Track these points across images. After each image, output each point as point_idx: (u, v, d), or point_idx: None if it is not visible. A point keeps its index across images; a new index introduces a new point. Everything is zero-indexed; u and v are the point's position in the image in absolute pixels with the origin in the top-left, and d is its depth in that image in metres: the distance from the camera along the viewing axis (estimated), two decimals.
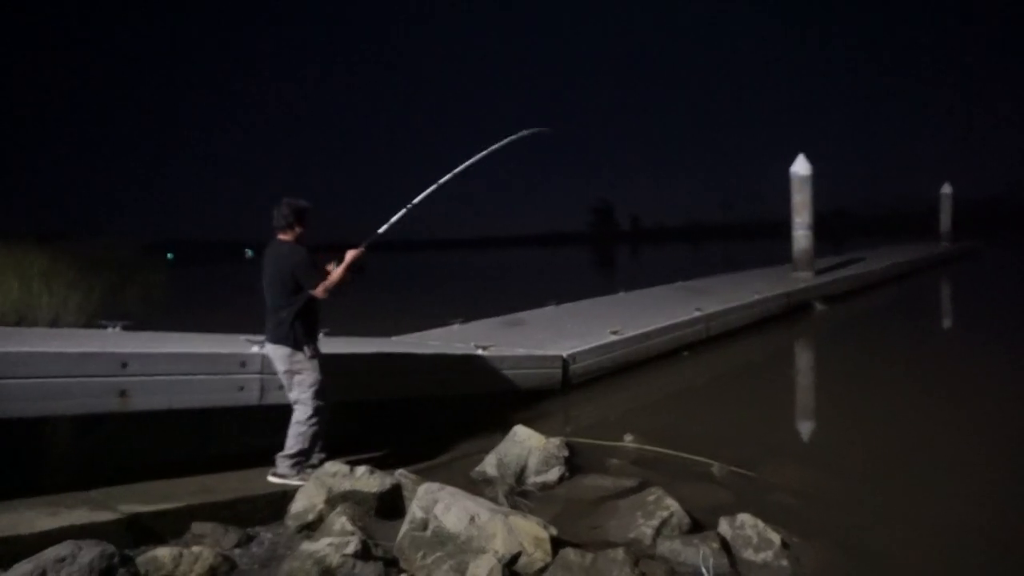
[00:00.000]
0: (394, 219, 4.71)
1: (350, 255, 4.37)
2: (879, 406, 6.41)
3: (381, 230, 4.67)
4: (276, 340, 4.22)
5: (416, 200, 4.76)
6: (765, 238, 37.96)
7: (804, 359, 9.83)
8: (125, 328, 5.46)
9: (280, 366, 4.23)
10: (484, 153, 5.15)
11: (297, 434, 4.20)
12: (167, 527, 3.50)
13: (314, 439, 4.23)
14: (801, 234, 14.20)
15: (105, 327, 5.52)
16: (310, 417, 4.20)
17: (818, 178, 14.18)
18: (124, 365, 3.90)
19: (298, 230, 4.34)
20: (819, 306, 11.89)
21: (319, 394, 4.23)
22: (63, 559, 2.55)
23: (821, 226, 15.21)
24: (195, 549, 3.14)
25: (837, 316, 12.42)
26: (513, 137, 5.33)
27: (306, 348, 4.21)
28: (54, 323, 11.44)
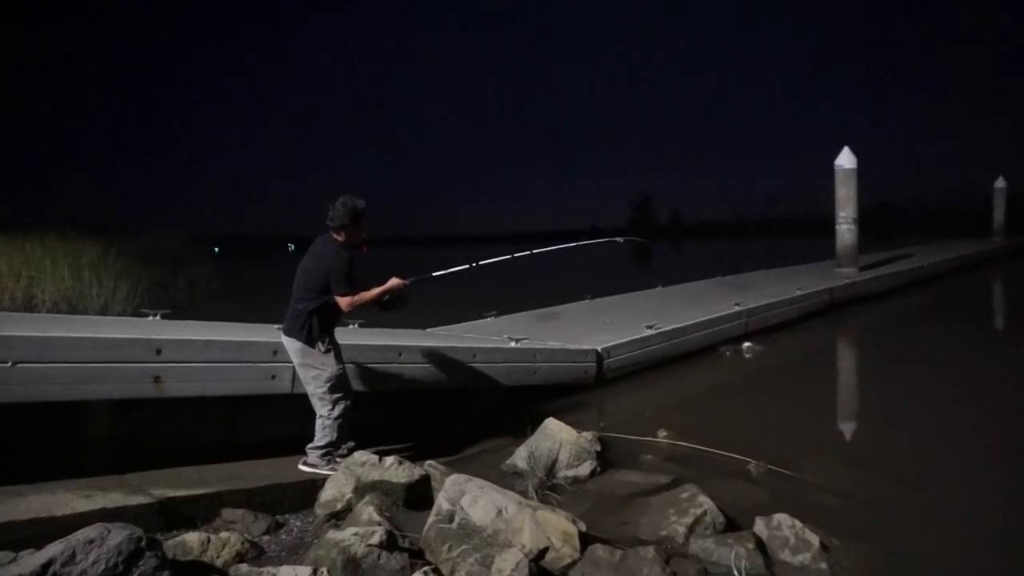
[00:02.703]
0: (452, 269, 4.84)
1: (392, 282, 4.30)
2: (924, 406, 6.17)
3: (435, 274, 4.74)
4: (289, 332, 4.15)
5: (483, 262, 4.99)
6: (809, 234, 37.11)
7: (846, 357, 9.55)
8: (164, 317, 5.55)
9: (294, 359, 4.17)
10: (560, 247, 5.62)
11: (323, 427, 4.18)
12: (198, 512, 3.54)
13: (340, 431, 4.20)
14: (845, 229, 13.80)
15: (146, 315, 5.62)
16: (331, 411, 4.15)
17: (864, 171, 13.76)
18: (158, 351, 3.95)
19: (350, 231, 4.21)
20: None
21: (335, 388, 4.15)
22: (92, 541, 2.57)
23: (867, 221, 14.75)
24: (223, 535, 3.16)
25: (882, 314, 12.05)
26: (594, 241, 6.07)
27: (320, 344, 4.11)
28: (103, 311, 11.77)
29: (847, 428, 6.22)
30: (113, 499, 3.34)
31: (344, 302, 4.10)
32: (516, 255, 5.26)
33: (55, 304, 11.53)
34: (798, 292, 10.67)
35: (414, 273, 4.59)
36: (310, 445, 4.19)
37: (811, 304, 10.87)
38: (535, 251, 5.47)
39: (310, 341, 4.09)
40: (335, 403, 4.15)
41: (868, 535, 3.54)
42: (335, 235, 4.21)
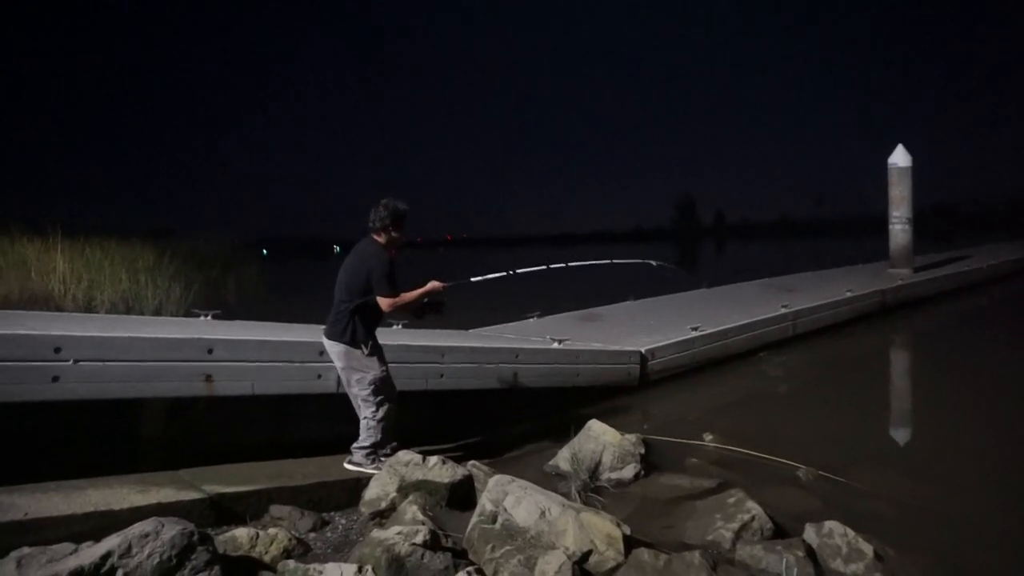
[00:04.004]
0: (490, 276, 4.98)
1: (431, 284, 4.33)
2: (980, 414, 5.95)
3: (473, 279, 4.90)
4: (332, 336, 4.16)
5: (520, 270, 5.12)
6: (860, 235, 36.12)
7: (899, 361, 9.27)
8: (215, 317, 5.70)
9: (337, 362, 4.19)
10: (594, 263, 5.76)
11: (367, 428, 4.22)
12: (247, 508, 3.61)
13: (385, 432, 4.23)
14: (899, 229, 13.40)
15: (198, 316, 5.78)
16: (375, 413, 4.18)
17: (919, 170, 13.34)
18: (210, 351, 4.05)
19: (393, 234, 4.23)
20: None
21: (379, 391, 4.16)
22: (147, 535, 2.65)
23: (922, 221, 14.29)
24: (271, 531, 3.22)
25: (937, 317, 11.65)
26: (625, 261, 6.08)
27: (363, 346, 4.12)
28: (157, 312, 12.14)
29: (900, 435, 6.02)
30: (167, 494, 3.43)
31: (385, 303, 4.13)
32: (551, 266, 5.47)
33: (113, 305, 11.93)
34: (848, 294, 10.39)
35: (454, 278, 4.63)
36: (355, 444, 4.24)
37: (862, 306, 10.57)
38: (570, 264, 5.61)
39: (354, 343, 4.12)
40: (379, 405, 4.18)
41: (924, 546, 3.43)
42: (376, 237, 4.25)
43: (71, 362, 3.60)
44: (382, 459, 4.18)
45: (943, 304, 12.43)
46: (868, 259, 16.11)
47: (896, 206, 13.35)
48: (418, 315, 4.44)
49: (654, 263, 6.06)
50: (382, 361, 4.24)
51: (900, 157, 13.25)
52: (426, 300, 4.37)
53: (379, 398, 4.18)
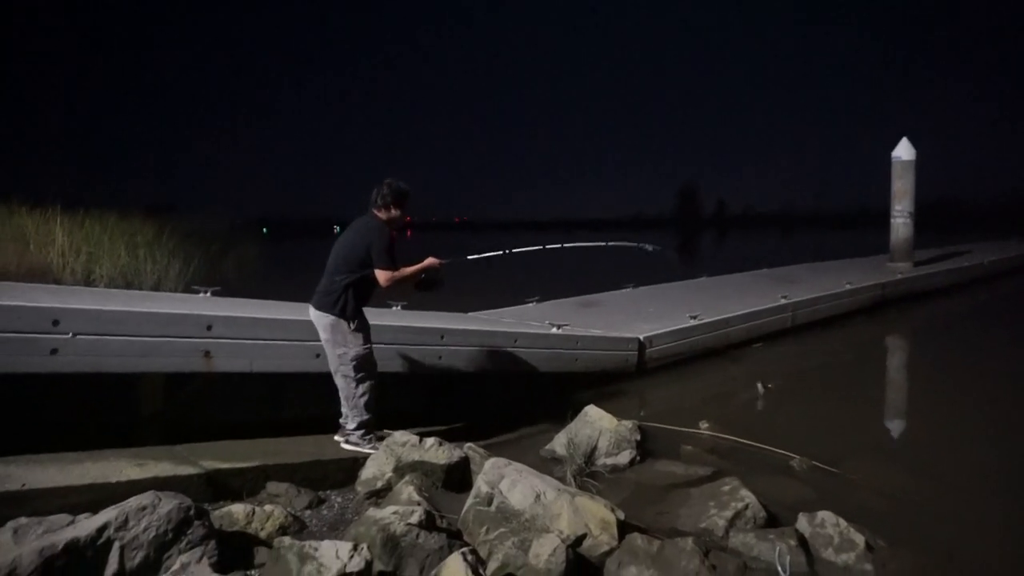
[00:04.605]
0: (487, 254, 5.08)
1: (428, 260, 4.35)
2: (975, 408, 5.96)
3: (470, 257, 4.97)
4: (321, 307, 4.15)
5: (517, 250, 5.20)
6: (861, 227, 36.07)
7: (896, 355, 9.28)
8: (215, 294, 5.69)
9: (322, 334, 4.18)
10: (591, 243, 5.88)
11: (351, 408, 4.22)
12: (244, 485, 3.62)
13: (368, 408, 4.21)
14: (900, 222, 13.36)
15: (197, 292, 5.77)
16: (355, 389, 4.17)
17: (923, 164, 13.29)
18: (209, 327, 4.05)
19: (393, 212, 4.26)
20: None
21: (360, 367, 4.15)
22: (144, 508, 2.66)
23: (924, 216, 14.25)
24: (268, 508, 3.23)
25: (936, 311, 11.66)
26: (621, 243, 6.15)
27: (351, 321, 4.12)
28: (156, 287, 12.13)
29: (894, 428, 6.05)
30: (164, 468, 3.44)
31: (383, 276, 4.13)
32: (548, 246, 5.49)
33: (112, 280, 11.91)
34: (848, 286, 10.40)
35: (453, 256, 4.65)
36: (343, 431, 4.26)
37: (861, 299, 10.58)
38: (565, 245, 5.64)
39: (343, 315, 4.10)
40: (359, 382, 4.17)
41: (915, 539, 3.45)
42: (377, 213, 4.27)
43: (70, 335, 3.59)
44: (375, 441, 4.19)
45: (942, 299, 12.43)
46: (868, 252, 16.10)
47: (898, 200, 13.31)
48: (417, 288, 4.46)
49: (649, 247, 6.03)
50: (367, 339, 4.21)
51: (904, 150, 13.19)
52: (423, 276, 4.39)
53: (359, 375, 4.16)
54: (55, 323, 3.56)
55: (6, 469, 3.17)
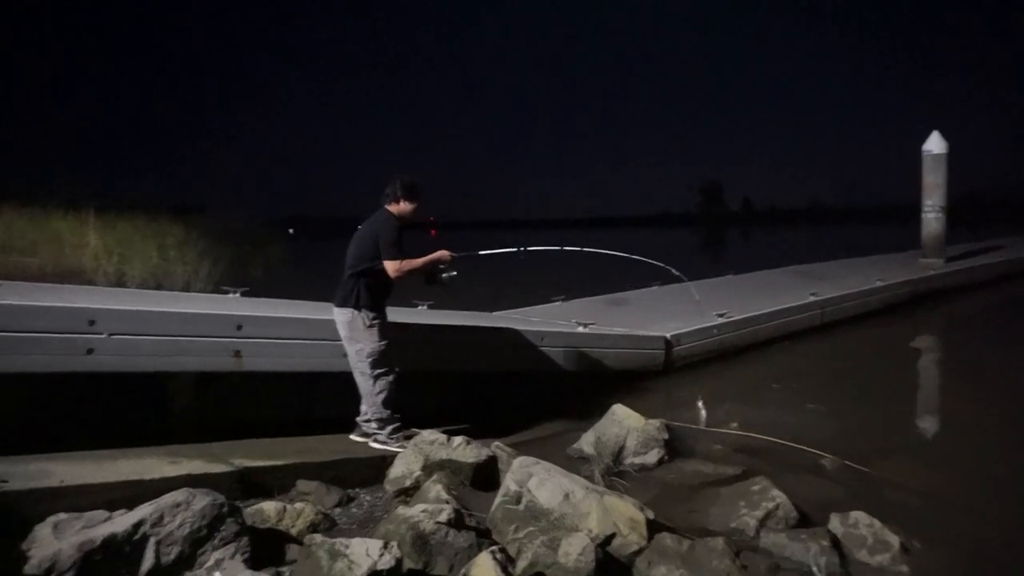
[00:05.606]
0: (500, 250, 5.16)
1: (440, 253, 4.39)
2: (1009, 407, 5.82)
3: (481, 252, 5.05)
4: (340, 303, 4.20)
5: (532, 248, 5.24)
6: (892, 223, 35.45)
7: (928, 353, 9.09)
8: (244, 294, 5.76)
9: (341, 331, 4.21)
10: (609, 252, 5.94)
11: (370, 405, 4.24)
12: (274, 482, 3.67)
13: (387, 404, 4.23)
14: (932, 217, 13.10)
15: (227, 292, 5.85)
16: (372, 386, 4.19)
17: (955, 158, 13.01)
18: (239, 327, 4.10)
19: (403, 205, 4.30)
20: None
21: (376, 364, 4.17)
22: (179, 504, 2.71)
23: (956, 210, 13.95)
24: (298, 505, 3.27)
25: (969, 308, 11.41)
26: (645, 259, 6.14)
27: (366, 315, 4.14)
28: (186, 288, 12.32)
29: (927, 427, 5.93)
30: (197, 466, 3.49)
31: (391, 267, 4.15)
32: (565, 248, 5.54)
33: (143, 280, 12.12)
34: (879, 283, 10.22)
35: (465, 251, 4.70)
36: (359, 429, 4.30)
37: (892, 296, 10.39)
38: (584, 249, 5.66)
39: (357, 307, 4.13)
40: (375, 379, 4.19)
41: (950, 539, 3.38)
42: (389, 207, 4.31)
43: (105, 335, 3.67)
44: (404, 440, 4.21)
45: (976, 295, 12.17)
46: (900, 248, 15.81)
47: (929, 194, 13.05)
48: (428, 281, 4.47)
49: (674, 271, 6.04)
50: (383, 336, 4.21)
51: (935, 144, 12.93)
52: (441, 267, 4.40)
53: (376, 371, 4.18)
54: (91, 323, 3.64)
55: (45, 466, 3.24)
